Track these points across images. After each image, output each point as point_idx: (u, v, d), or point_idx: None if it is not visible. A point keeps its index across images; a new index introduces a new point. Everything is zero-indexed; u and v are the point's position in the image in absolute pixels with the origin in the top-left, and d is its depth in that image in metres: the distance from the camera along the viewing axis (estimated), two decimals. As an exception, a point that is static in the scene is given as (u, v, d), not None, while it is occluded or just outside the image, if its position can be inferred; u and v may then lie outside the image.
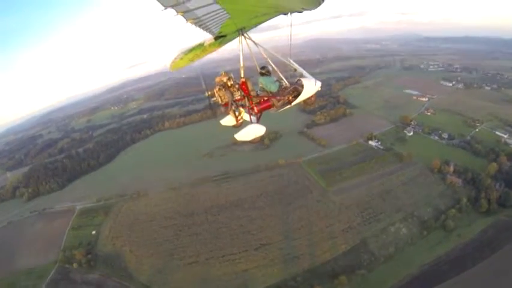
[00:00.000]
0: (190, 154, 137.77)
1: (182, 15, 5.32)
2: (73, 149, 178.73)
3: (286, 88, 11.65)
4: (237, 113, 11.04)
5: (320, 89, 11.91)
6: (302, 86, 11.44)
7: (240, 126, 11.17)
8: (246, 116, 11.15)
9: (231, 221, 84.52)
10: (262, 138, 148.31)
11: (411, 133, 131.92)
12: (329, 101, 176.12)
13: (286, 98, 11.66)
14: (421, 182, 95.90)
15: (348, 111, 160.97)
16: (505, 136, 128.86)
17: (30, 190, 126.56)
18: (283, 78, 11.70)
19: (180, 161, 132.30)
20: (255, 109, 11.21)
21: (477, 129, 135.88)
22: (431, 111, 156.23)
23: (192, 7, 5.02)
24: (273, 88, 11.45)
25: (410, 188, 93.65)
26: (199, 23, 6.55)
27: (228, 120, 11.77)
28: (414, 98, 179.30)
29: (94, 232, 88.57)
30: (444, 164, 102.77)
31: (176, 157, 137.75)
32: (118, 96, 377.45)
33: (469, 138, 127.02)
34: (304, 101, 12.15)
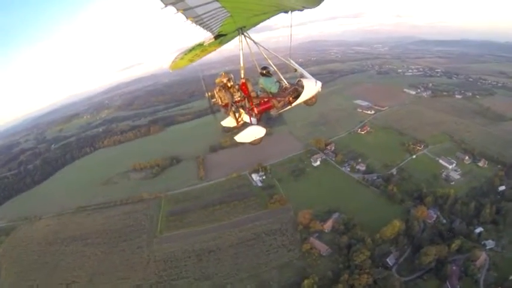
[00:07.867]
0: (95, 178, 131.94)
1: (182, 13, 5.19)
2: (26, 164, 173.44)
3: (286, 89, 11.30)
4: (237, 114, 10.78)
5: (320, 89, 11.63)
6: (302, 87, 11.15)
7: (240, 127, 10.88)
8: (246, 117, 10.77)
9: (71, 254, 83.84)
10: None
11: (318, 162, 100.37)
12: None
13: (287, 98, 11.27)
14: (269, 243, 67.13)
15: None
16: (450, 167, 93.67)
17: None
18: (283, 78, 11.38)
19: (82, 187, 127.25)
20: (255, 110, 10.85)
21: (414, 156, 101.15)
22: (368, 129, 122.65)
23: (192, 5, 4.95)
24: (274, 89, 11.09)
25: (248, 249, 67.18)
26: (199, 21, 6.37)
27: (228, 122, 11.44)
28: (360, 110, 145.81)
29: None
30: (320, 217, 70.90)
31: (83, 182, 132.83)
32: (100, 102, 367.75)
33: (394, 171, 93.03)
34: (305, 102, 11.75)
